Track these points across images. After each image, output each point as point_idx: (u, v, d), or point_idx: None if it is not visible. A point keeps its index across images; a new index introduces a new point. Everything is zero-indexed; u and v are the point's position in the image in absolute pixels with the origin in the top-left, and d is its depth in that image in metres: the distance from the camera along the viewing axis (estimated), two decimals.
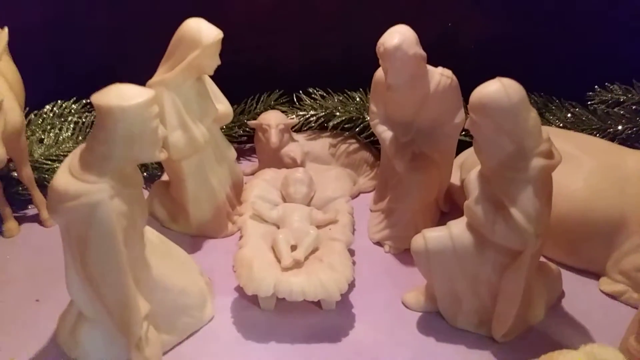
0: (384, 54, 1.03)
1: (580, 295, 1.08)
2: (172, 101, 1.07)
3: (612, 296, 1.07)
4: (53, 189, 0.79)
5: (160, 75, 1.08)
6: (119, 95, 0.78)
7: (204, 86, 1.14)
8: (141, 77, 1.07)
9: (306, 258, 1.05)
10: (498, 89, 0.84)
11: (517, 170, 0.86)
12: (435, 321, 1.03)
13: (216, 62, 1.10)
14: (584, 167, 1.11)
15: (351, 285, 1.03)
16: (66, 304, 0.92)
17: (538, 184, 0.86)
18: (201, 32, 1.05)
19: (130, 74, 1.04)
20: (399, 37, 1.02)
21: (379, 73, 1.13)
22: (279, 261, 1.04)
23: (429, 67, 1.09)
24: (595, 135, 1.32)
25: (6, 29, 1.16)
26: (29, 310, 1.05)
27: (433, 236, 0.96)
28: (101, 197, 0.78)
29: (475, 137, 0.90)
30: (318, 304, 1.04)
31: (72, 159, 0.81)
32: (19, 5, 1.36)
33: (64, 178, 0.79)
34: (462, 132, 1.17)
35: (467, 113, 1.14)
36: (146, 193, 1.25)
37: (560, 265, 1.10)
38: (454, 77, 1.11)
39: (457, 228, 0.96)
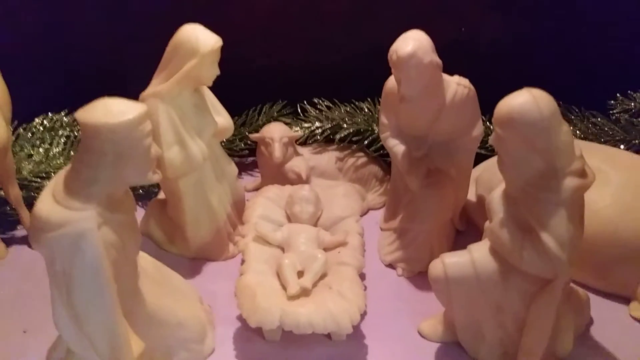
0: (397, 62, 0.95)
1: (609, 322, 1.00)
2: (167, 115, 1.00)
3: None
4: (35, 216, 0.72)
5: (154, 86, 1.01)
6: (107, 112, 0.71)
7: (202, 98, 1.07)
8: (136, 88, 1.01)
9: (314, 285, 0.98)
10: (528, 101, 0.76)
11: (547, 190, 0.78)
12: (455, 352, 0.95)
13: (215, 71, 1.03)
14: (611, 183, 1.05)
15: (362, 313, 0.96)
16: (55, 336, 0.85)
17: (571, 206, 0.78)
18: (198, 40, 0.98)
19: (124, 84, 0.97)
20: (413, 43, 0.94)
21: (391, 82, 1.05)
22: (284, 288, 0.97)
23: (445, 76, 1.02)
24: (619, 147, 1.25)
25: None
26: (16, 342, 0.97)
27: (453, 262, 0.88)
28: (87, 226, 0.70)
29: (500, 154, 0.83)
30: (327, 334, 0.96)
31: (57, 182, 0.74)
32: (6, 14, 1.30)
33: (47, 204, 0.72)
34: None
35: (485, 125, 1.10)
36: (141, 212, 1.18)
37: (587, 289, 1.02)
38: (472, 87, 1.03)
39: (479, 253, 0.88)
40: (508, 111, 0.78)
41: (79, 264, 0.70)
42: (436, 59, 0.97)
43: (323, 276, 1.00)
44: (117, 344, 0.75)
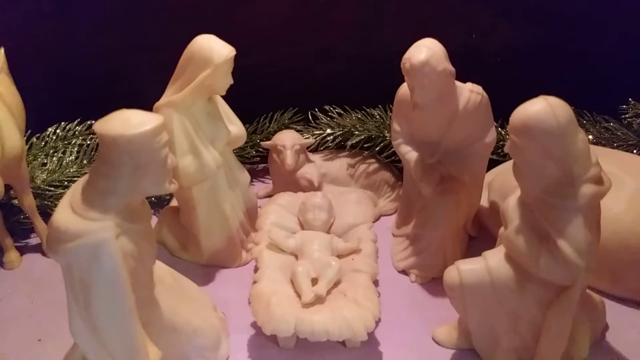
0: (410, 70, 0.95)
1: (625, 328, 1.00)
2: (181, 124, 1.01)
3: None
4: (52, 227, 0.72)
5: (168, 96, 1.01)
6: (124, 123, 0.71)
7: (216, 107, 1.07)
8: (149, 98, 1.02)
9: (328, 292, 0.98)
10: (544, 109, 0.76)
11: (564, 197, 0.78)
12: (470, 359, 0.95)
13: (228, 81, 1.03)
14: (626, 188, 1.05)
15: (377, 320, 0.96)
16: (70, 344, 0.85)
17: (588, 213, 0.78)
18: (212, 50, 0.99)
19: (136, 93, 0.98)
20: (426, 51, 0.94)
21: (403, 89, 1.05)
22: (298, 296, 0.96)
23: (458, 83, 1.02)
24: (632, 152, 1.25)
25: (2, 50, 1.11)
26: (31, 351, 0.98)
27: (468, 269, 0.88)
28: (105, 236, 0.70)
29: (516, 162, 0.82)
30: (342, 341, 0.96)
31: (74, 192, 0.74)
32: (20, 24, 1.31)
33: (65, 215, 0.72)
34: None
35: (497, 131, 1.10)
36: (154, 219, 1.18)
37: (602, 295, 1.02)
38: (485, 94, 1.03)
39: (495, 260, 0.88)
40: (524, 119, 0.77)
41: (97, 274, 0.71)
42: (449, 66, 0.97)
43: (337, 283, 1.00)
44: (134, 353, 0.75)
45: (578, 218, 0.77)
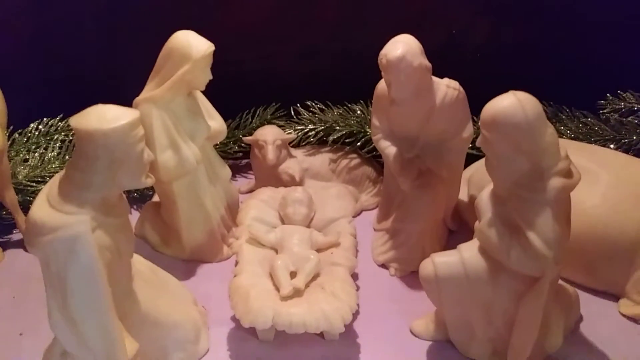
0: (386, 66, 0.96)
1: (599, 319, 1.02)
2: (161, 119, 1.01)
3: (633, 319, 1.02)
4: (30, 220, 0.73)
5: (148, 92, 1.02)
6: (100, 118, 0.72)
7: (195, 102, 1.08)
8: (130, 93, 1.02)
9: (307, 285, 0.99)
10: (513, 104, 0.78)
11: (533, 190, 0.79)
12: (446, 351, 0.97)
13: (207, 76, 1.04)
14: (600, 182, 1.06)
15: (355, 312, 0.97)
16: (51, 338, 0.85)
17: (557, 206, 0.79)
18: (191, 46, 0.99)
19: (118, 89, 0.98)
20: (402, 47, 0.95)
21: (381, 85, 1.07)
22: (277, 289, 0.98)
23: (435, 78, 1.03)
24: (608, 147, 1.26)
25: None
26: (12, 345, 0.98)
27: (443, 261, 0.90)
28: (81, 229, 0.71)
29: (487, 156, 0.84)
30: (320, 333, 0.97)
31: (51, 187, 0.75)
32: (1, 21, 1.31)
33: (42, 209, 0.73)
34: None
35: (475, 126, 1.11)
36: (136, 215, 1.19)
37: (577, 287, 1.03)
38: (461, 89, 1.05)
39: (469, 252, 0.89)
40: (493, 114, 0.79)
41: (74, 267, 0.71)
42: (425, 62, 0.98)
43: (316, 277, 1.01)
44: (111, 345, 0.76)
45: (547, 211, 0.79)
